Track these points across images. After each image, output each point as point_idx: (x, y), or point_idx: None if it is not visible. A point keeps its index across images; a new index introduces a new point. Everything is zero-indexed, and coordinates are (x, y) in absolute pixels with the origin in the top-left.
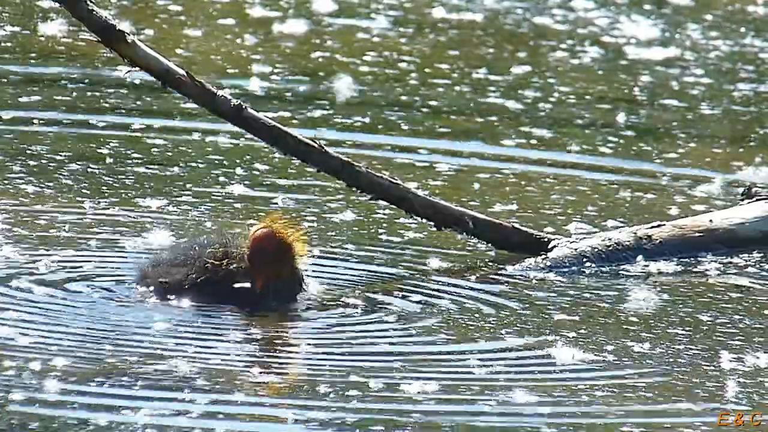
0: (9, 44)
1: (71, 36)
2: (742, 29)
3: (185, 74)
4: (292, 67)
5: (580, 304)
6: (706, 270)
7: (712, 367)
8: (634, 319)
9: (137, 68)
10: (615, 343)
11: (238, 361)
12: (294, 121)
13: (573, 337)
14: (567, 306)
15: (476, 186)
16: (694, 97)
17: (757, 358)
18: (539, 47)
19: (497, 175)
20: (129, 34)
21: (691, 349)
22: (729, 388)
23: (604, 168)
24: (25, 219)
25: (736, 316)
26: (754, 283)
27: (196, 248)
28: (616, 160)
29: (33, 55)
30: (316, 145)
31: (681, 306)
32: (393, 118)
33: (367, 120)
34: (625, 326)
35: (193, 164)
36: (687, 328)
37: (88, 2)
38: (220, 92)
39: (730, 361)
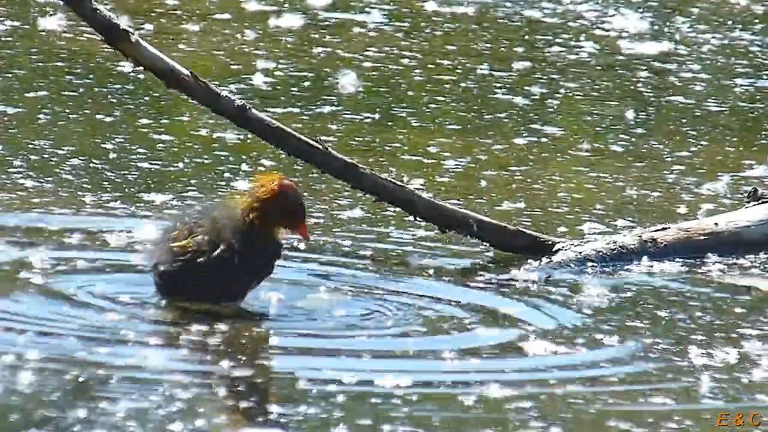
0: (9, 39)
1: (72, 31)
2: (729, 22)
3: (189, 74)
4: (295, 62)
5: (542, 298)
6: (670, 268)
7: (686, 363)
8: (589, 311)
9: (141, 67)
10: (584, 336)
11: (216, 355)
12: (303, 118)
13: (541, 330)
14: (530, 300)
15: (483, 183)
16: (699, 94)
17: (727, 353)
18: (535, 41)
19: (504, 173)
20: (133, 33)
21: (658, 343)
22: (704, 383)
23: (612, 166)
24: (19, 213)
25: (698, 313)
26: (721, 281)
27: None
28: (625, 158)
29: (34, 50)
30: (320, 147)
31: (640, 302)
32: (402, 114)
33: (376, 116)
34: (584, 319)
35: (198, 160)
36: (646, 323)
37: (93, 0)
38: (224, 92)
39: (701, 356)
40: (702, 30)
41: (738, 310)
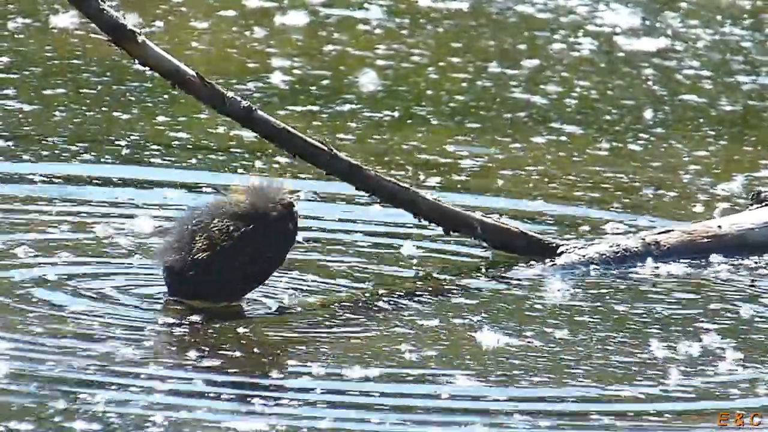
0: (22, 36)
1: (84, 29)
2: (719, 17)
3: (195, 75)
4: (309, 60)
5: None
6: (674, 270)
7: (646, 354)
8: (540, 306)
9: (147, 68)
10: (534, 328)
11: (193, 347)
12: (323, 116)
13: (498, 322)
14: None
15: (501, 182)
16: (709, 93)
17: (689, 346)
18: (534, 38)
19: (521, 172)
20: (140, 34)
21: (615, 336)
22: (672, 375)
23: (629, 165)
24: (16, 207)
25: (656, 305)
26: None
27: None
28: (641, 157)
29: (49, 47)
30: (325, 148)
31: (592, 297)
32: (421, 113)
33: (395, 115)
34: (539, 313)
35: (213, 156)
36: (598, 316)
37: (99, 0)
38: (229, 93)
39: (662, 348)
40: (692, 25)
41: (699, 304)
